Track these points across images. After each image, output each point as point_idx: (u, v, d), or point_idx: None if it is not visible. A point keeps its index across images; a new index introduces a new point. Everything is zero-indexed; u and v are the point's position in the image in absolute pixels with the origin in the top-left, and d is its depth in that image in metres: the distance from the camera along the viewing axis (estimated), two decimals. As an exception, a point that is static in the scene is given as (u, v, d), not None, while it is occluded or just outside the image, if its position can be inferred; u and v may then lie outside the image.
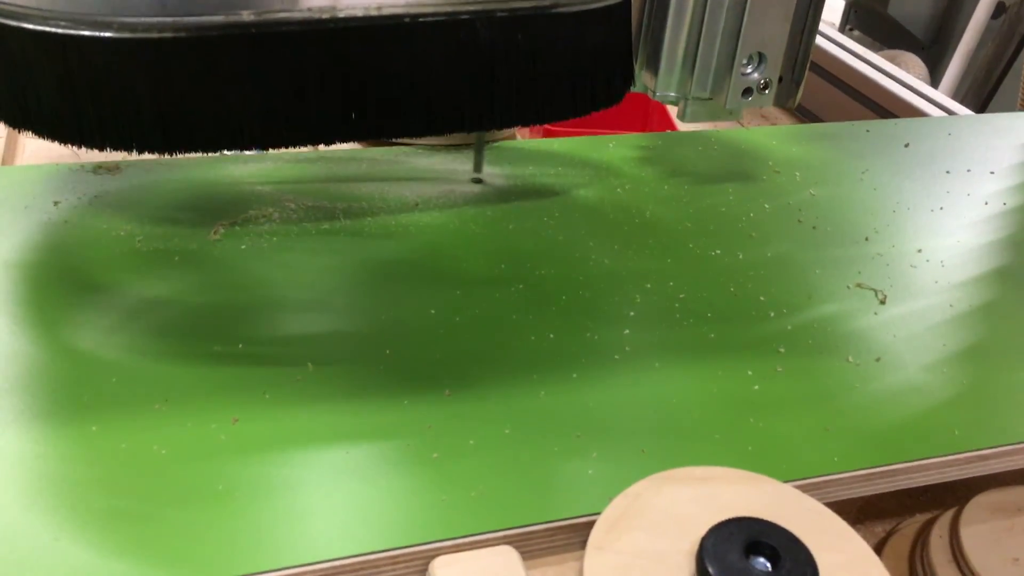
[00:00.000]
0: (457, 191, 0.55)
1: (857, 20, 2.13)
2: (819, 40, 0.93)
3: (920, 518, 0.53)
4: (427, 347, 0.43)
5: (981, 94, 1.71)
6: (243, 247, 0.49)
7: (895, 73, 0.85)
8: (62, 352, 0.41)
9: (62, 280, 0.45)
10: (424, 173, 0.57)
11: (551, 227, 0.53)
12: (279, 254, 0.48)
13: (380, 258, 0.49)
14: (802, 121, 0.90)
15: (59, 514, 0.33)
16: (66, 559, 0.32)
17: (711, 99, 0.51)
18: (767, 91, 0.51)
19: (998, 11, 1.74)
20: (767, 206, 0.57)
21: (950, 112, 0.79)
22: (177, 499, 0.34)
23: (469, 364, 0.42)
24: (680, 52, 0.50)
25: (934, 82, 1.83)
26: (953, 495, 0.52)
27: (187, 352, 0.42)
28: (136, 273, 0.46)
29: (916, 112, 0.79)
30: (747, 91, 0.50)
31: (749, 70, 0.50)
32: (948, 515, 0.49)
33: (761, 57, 0.50)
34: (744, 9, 0.48)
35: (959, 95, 1.78)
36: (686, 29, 0.50)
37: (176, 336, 0.42)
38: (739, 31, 0.49)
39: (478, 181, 0.56)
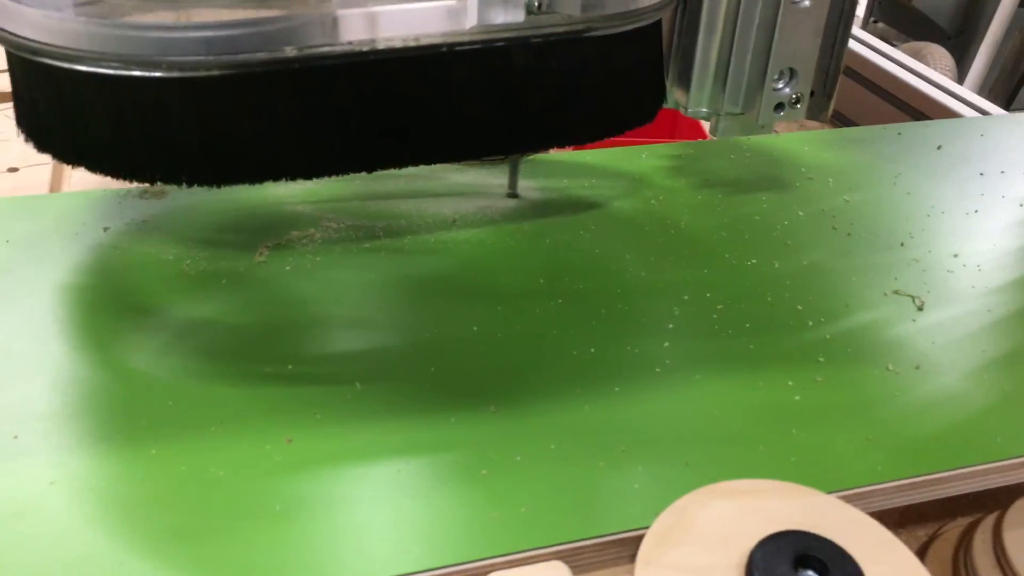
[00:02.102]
0: (493, 206, 0.56)
1: (881, 12, 2.11)
2: (846, 40, 0.93)
3: (962, 521, 0.53)
4: (471, 364, 0.44)
5: (1009, 84, 1.69)
6: (287, 268, 0.50)
7: (923, 72, 0.85)
8: (118, 376, 0.42)
9: (114, 304, 0.47)
10: (460, 189, 0.58)
11: (587, 240, 0.54)
12: (322, 273, 0.50)
13: (421, 275, 0.50)
14: (833, 124, 0.90)
15: (123, 538, 0.34)
16: (134, 581, 0.33)
17: (743, 114, 0.52)
18: (799, 105, 0.51)
19: (1024, -1, 1.73)
20: (801, 213, 0.57)
21: (980, 110, 0.78)
22: (236, 519, 0.36)
23: (513, 380, 0.43)
24: (711, 68, 0.51)
25: (960, 73, 1.81)
26: (995, 499, 0.52)
27: (239, 373, 0.43)
28: (185, 296, 0.47)
29: (946, 110, 0.79)
30: (779, 106, 0.51)
31: (780, 85, 0.51)
32: (991, 519, 0.50)
33: (792, 72, 0.50)
34: (774, 26, 0.49)
35: (987, 86, 1.76)
36: (717, 46, 0.50)
37: (227, 357, 0.44)
38: (769, 47, 0.49)
39: (513, 196, 0.57)
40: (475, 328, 0.46)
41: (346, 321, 0.47)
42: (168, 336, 0.45)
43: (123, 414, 0.40)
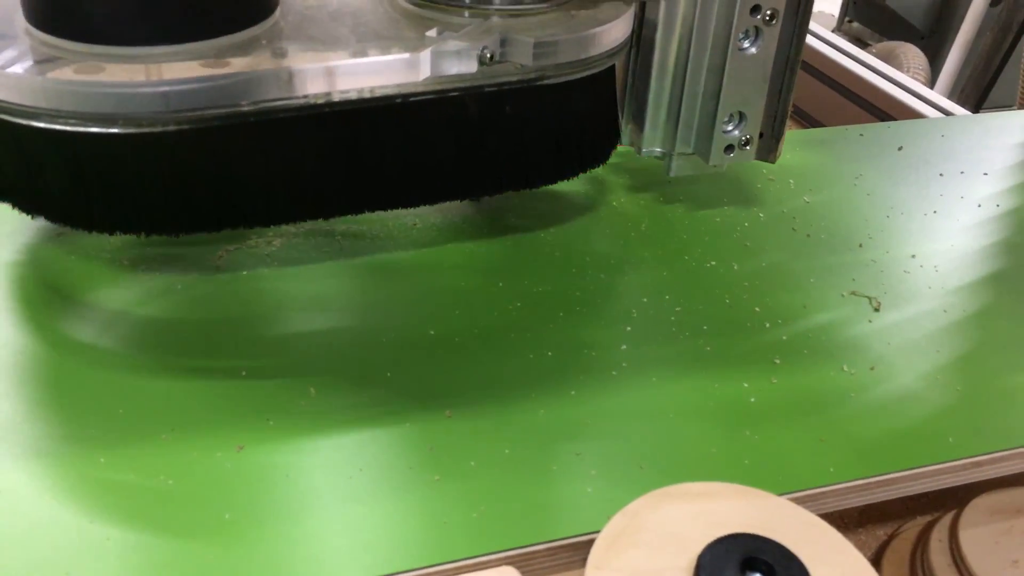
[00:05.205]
0: (454, 209, 0.56)
1: (856, 12, 2.13)
2: (813, 41, 0.93)
3: (921, 520, 0.54)
4: (427, 368, 0.44)
5: (981, 83, 1.71)
6: (245, 272, 0.49)
7: (890, 74, 0.85)
8: (68, 383, 0.42)
9: (66, 310, 0.46)
10: (422, 192, 0.57)
11: (548, 242, 0.53)
12: (280, 278, 0.49)
13: (379, 280, 0.50)
14: (800, 125, 0.90)
15: (69, 548, 0.34)
16: (78, 592, 0.33)
17: (695, 154, 0.53)
18: (748, 147, 0.52)
19: (996, -1, 1.74)
20: (761, 215, 0.57)
21: (945, 111, 0.79)
22: (185, 530, 0.35)
23: (469, 384, 0.43)
24: (664, 111, 0.52)
25: (933, 72, 1.83)
26: (955, 496, 0.52)
27: (191, 380, 0.42)
28: (140, 301, 0.47)
29: (912, 112, 0.80)
30: (729, 147, 0.52)
31: (730, 128, 0.52)
32: (947, 518, 0.50)
33: (741, 116, 0.51)
34: (723, 72, 0.49)
35: (959, 85, 1.78)
36: (668, 88, 0.52)
37: (180, 363, 0.43)
38: (719, 92, 0.50)
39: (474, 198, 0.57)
40: (432, 332, 0.46)
41: (302, 326, 0.46)
42: (120, 342, 0.44)
43: (72, 422, 0.40)
